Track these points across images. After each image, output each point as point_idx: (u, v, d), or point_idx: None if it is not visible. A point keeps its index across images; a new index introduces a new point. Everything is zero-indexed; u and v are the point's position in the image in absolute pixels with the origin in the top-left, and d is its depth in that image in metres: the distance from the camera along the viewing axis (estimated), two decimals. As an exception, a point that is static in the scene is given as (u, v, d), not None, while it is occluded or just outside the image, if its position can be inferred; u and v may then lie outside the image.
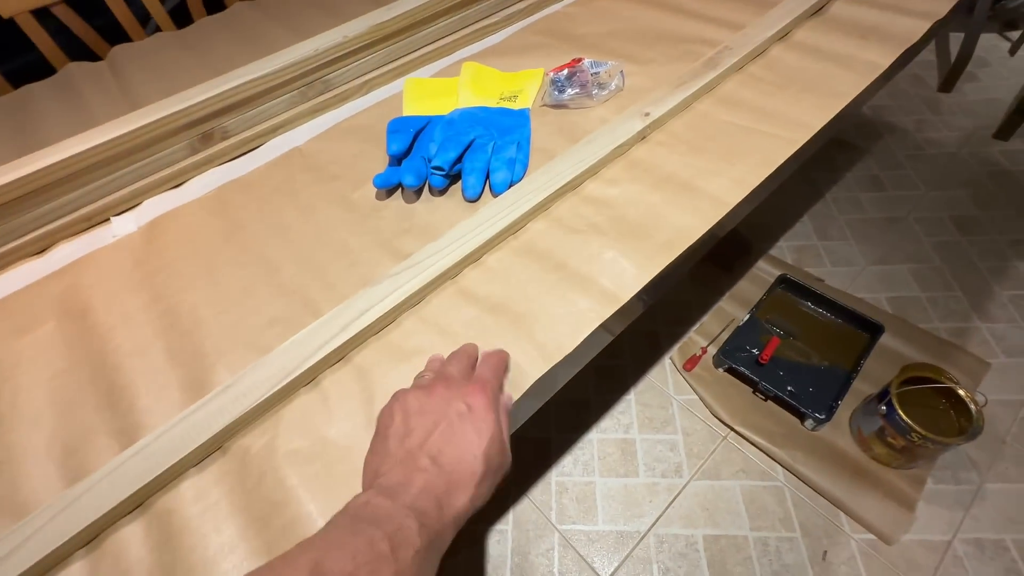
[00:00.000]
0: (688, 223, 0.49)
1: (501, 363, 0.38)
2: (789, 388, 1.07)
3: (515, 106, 0.63)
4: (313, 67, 0.65)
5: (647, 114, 0.57)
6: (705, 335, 1.20)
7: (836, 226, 1.39)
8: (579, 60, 0.62)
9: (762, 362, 1.09)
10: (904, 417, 0.88)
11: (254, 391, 0.39)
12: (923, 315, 1.19)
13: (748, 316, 1.18)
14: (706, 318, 1.24)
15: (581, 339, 0.42)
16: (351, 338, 0.42)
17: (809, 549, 0.92)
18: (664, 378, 1.16)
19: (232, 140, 0.63)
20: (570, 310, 0.44)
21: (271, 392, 0.39)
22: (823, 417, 1.01)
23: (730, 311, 1.24)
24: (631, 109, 0.58)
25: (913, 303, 1.22)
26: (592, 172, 0.54)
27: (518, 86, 0.65)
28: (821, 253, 1.34)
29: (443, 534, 0.28)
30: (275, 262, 0.51)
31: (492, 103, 0.64)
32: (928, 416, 0.94)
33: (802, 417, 1.05)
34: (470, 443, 0.31)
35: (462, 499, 0.29)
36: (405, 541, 0.25)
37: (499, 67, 0.71)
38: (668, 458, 1.05)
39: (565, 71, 0.61)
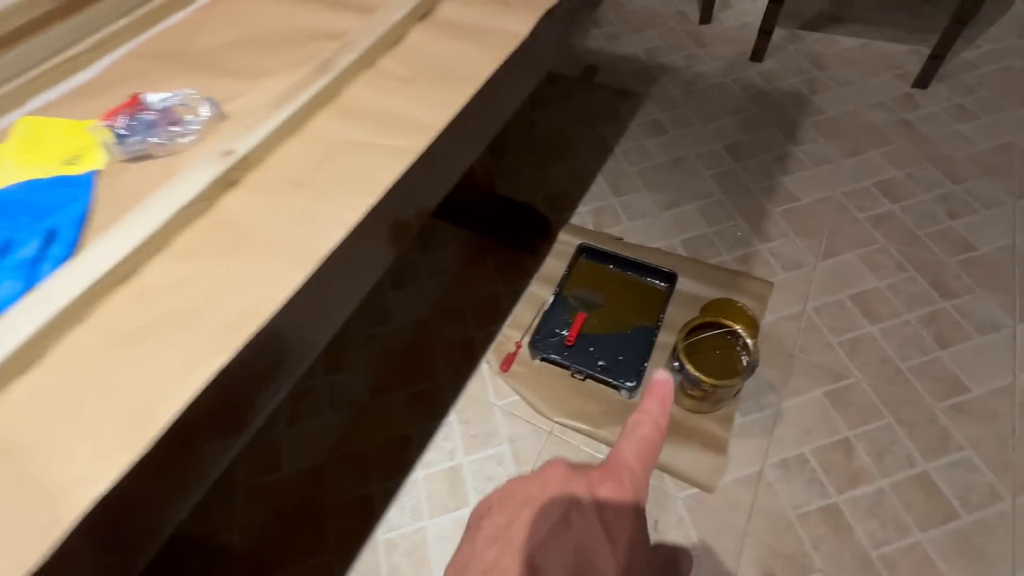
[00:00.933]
0: (259, 301, 0.37)
1: (651, 443, 0.25)
2: (600, 363, 1.05)
3: (77, 170, 0.47)
4: None
5: (229, 152, 0.44)
6: (518, 327, 1.14)
7: (628, 179, 1.39)
8: (136, 97, 0.47)
9: (569, 344, 1.05)
10: (692, 370, 0.88)
11: None
12: (712, 250, 1.23)
13: (552, 297, 1.14)
14: (517, 308, 1.19)
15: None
16: None
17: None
18: (483, 386, 1.09)
19: None
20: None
21: None
22: (634, 384, 1.00)
23: (540, 295, 1.19)
24: (209, 149, 0.45)
25: (703, 241, 1.25)
26: (153, 249, 0.41)
27: (84, 142, 0.49)
28: (618, 210, 1.33)
29: None
30: None
31: (53, 170, 0.48)
32: (719, 360, 0.95)
33: (618, 389, 1.03)
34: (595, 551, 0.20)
35: None
36: None
37: (81, 114, 0.54)
38: (497, 474, 0.98)
39: (122, 116, 0.46)
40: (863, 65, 1.57)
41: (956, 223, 1.21)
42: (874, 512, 0.87)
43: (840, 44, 1.64)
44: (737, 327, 0.92)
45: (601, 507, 0.21)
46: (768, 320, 1.11)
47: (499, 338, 1.14)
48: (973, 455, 0.91)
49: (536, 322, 1.11)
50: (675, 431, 0.98)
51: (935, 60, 1.43)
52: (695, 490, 0.93)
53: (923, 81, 1.48)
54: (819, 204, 1.28)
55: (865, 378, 1.02)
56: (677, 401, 1.00)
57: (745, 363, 0.90)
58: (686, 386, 0.93)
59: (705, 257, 1.21)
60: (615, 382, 1.01)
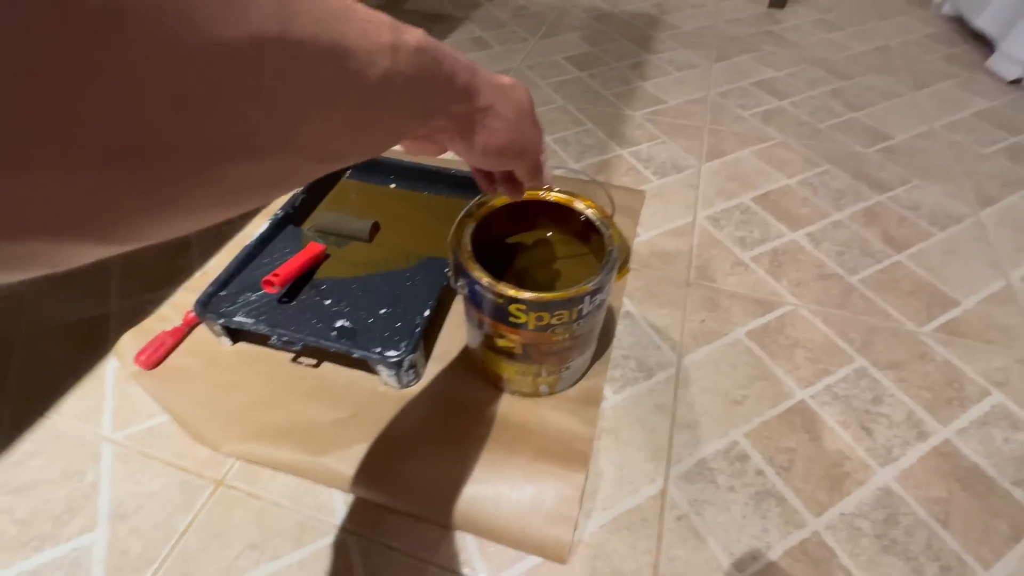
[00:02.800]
0: None
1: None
2: (339, 324, 0.53)
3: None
4: None
5: None
6: (205, 286, 0.59)
7: (436, 93, 0.96)
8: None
9: (273, 290, 0.53)
10: (495, 284, 0.40)
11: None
12: (555, 159, 0.81)
13: (266, 227, 0.62)
14: (215, 260, 0.65)
15: None
16: None
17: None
18: (96, 406, 0.51)
19: None
20: None
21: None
22: (398, 355, 0.49)
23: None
24: None
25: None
26: None
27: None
28: (416, 124, 0.88)
29: (455, 73, 0.21)
30: None
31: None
32: (550, 270, 0.49)
33: (371, 368, 0.52)
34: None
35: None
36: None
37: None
38: (40, 611, 0.40)
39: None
40: (714, -6, 1.36)
41: (859, 114, 0.91)
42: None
43: (686, -20, 1.44)
44: (582, 205, 0.47)
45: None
46: (643, 239, 0.68)
47: (158, 312, 0.58)
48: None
49: (232, 270, 0.57)
50: (503, 446, 0.48)
51: (788, -28, 1.24)
52: (533, 562, 0.42)
53: (779, 1, 1.28)
54: (692, 104, 0.93)
55: (804, 302, 0.61)
56: (497, 379, 0.51)
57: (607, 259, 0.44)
58: (490, 329, 0.44)
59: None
60: (361, 353, 0.49)
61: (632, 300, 0.60)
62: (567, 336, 0.43)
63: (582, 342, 0.46)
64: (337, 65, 0.14)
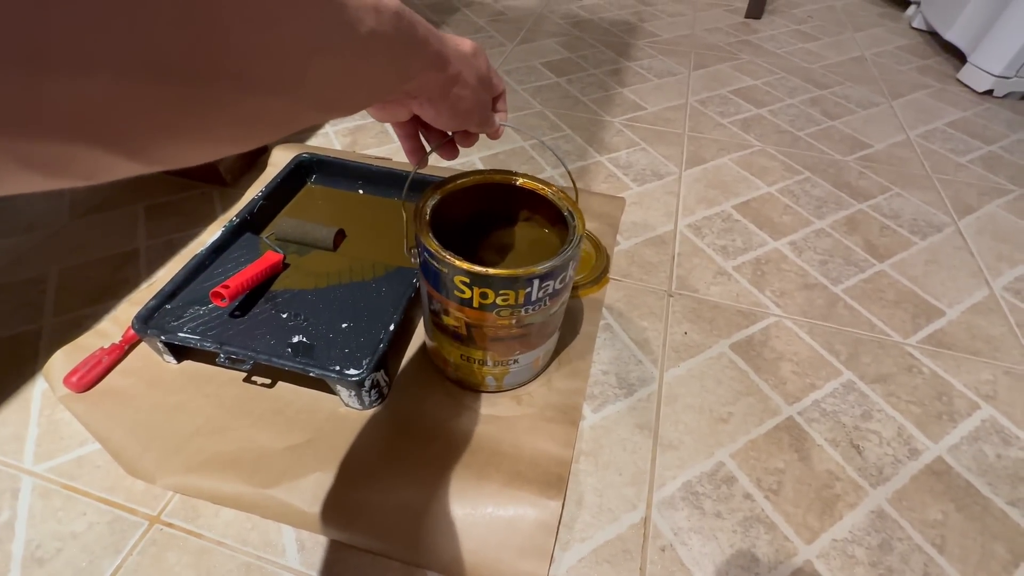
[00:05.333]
0: None
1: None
2: (295, 339, 0.49)
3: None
4: None
5: None
6: (148, 300, 0.54)
7: (409, 96, 0.93)
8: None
9: (223, 303, 0.48)
10: (436, 250, 0.37)
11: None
12: (532, 165, 0.78)
13: (219, 236, 0.57)
14: (163, 271, 0.60)
15: None
16: None
17: None
18: (18, 432, 0.46)
19: None
20: None
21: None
22: (359, 373, 0.45)
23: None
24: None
25: (516, 155, 0.80)
26: None
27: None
28: (387, 128, 0.85)
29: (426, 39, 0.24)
30: None
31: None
32: (513, 249, 0.46)
33: (329, 387, 0.48)
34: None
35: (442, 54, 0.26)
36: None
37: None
38: None
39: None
40: (691, 3, 1.36)
41: (837, 123, 0.91)
42: None
43: (664, -10, 1.44)
44: (544, 190, 0.44)
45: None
46: (623, 247, 0.65)
47: (96, 328, 0.53)
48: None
49: (179, 281, 0.53)
50: (441, 468, 0.44)
51: (764, -17, 1.25)
52: (506, 601, 0.38)
53: (755, 12, 1.29)
54: (671, 111, 0.91)
55: (789, 313, 0.59)
56: (434, 352, 0.47)
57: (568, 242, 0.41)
58: (439, 306, 0.41)
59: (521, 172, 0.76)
60: (318, 372, 0.45)
61: (612, 312, 0.57)
62: (513, 322, 0.40)
63: (534, 335, 0.43)
64: (336, 15, 0.17)
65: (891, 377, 0.53)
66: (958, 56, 1.11)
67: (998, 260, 0.66)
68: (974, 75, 1.03)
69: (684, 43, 1.15)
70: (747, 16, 1.29)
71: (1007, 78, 0.98)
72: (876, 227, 0.70)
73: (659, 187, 0.75)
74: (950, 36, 1.11)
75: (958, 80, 1.05)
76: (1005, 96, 1.01)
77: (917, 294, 0.61)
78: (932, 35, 1.24)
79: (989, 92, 1.01)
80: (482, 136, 0.38)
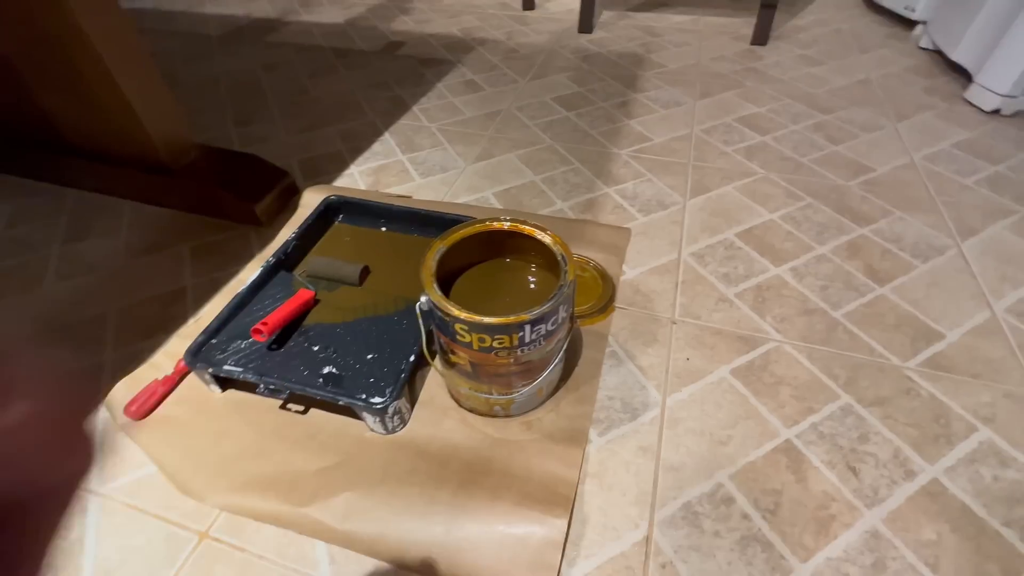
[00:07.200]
0: None
1: None
2: (326, 371, 0.54)
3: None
4: None
5: None
6: (197, 335, 0.61)
7: (426, 135, 0.99)
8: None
9: (262, 339, 0.54)
10: (439, 300, 0.41)
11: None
12: (542, 199, 0.83)
13: (259, 275, 0.63)
14: (208, 307, 0.66)
15: None
16: None
17: None
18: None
19: None
20: None
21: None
22: (383, 401, 0.50)
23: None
24: None
25: (528, 189, 0.85)
26: None
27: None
28: (408, 167, 0.91)
29: None
30: None
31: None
32: (512, 294, 0.50)
33: (355, 414, 0.52)
34: None
35: None
36: None
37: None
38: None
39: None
40: (697, 33, 1.40)
41: (840, 147, 0.93)
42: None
43: (671, 20, 1.48)
44: (541, 236, 0.48)
45: None
46: (628, 277, 0.69)
47: (151, 360, 0.59)
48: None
49: (223, 318, 0.59)
50: (457, 488, 0.48)
51: (768, 9, 1.28)
52: (517, 613, 0.41)
53: (761, 38, 1.32)
54: (677, 141, 0.95)
55: (789, 338, 0.61)
56: (452, 386, 0.51)
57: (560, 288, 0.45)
58: (445, 345, 0.45)
59: (534, 208, 0.80)
60: (346, 400, 0.50)
61: (617, 340, 0.61)
62: (511, 361, 0.44)
63: (533, 370, 0.47)
64: None
65: (889, 400, 0.55)
66: (965, 76, 1.12)
67: (1001, 281, 0.67)
68: (981, 95, 1.04)
69: (690, 72, 1.19)
70: (753, 43, 1.33)
71: (1014, 97, 0.99)
72: (877, 251, 0.72)
73: (664, 216, 0.79)
74: (956, 56, 1.12)
75: (965, 100, 1.06)
76: (1013, 115, 1.01)
77: (917, 317, 0.63)
78: (939, 55, 1.25)
79: (997, 111, 1.02)
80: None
